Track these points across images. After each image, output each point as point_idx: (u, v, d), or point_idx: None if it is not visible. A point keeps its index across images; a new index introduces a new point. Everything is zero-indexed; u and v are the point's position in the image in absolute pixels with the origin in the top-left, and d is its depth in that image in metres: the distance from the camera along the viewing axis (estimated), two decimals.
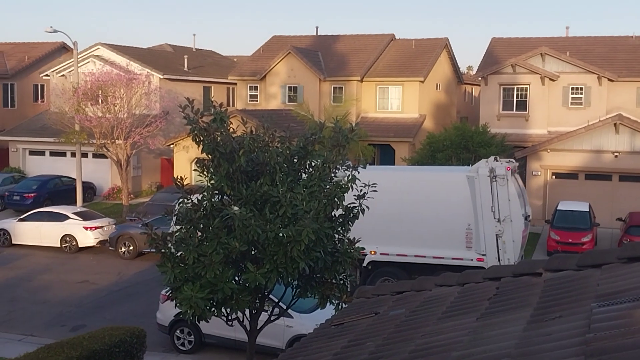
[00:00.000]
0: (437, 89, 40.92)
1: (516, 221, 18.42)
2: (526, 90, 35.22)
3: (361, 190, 11.24)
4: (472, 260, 18.47)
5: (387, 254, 19.14)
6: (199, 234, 10.73)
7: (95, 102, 33.04)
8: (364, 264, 19.25)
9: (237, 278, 10.72)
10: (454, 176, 19.18)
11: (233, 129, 11.26)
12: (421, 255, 18.98)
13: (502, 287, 5.21)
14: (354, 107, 37.41)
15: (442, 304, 5.35)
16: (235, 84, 41.56)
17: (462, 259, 18.55)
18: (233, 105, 42.35)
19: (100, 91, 33.08)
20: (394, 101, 38.70)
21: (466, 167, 21.10)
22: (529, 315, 4.17)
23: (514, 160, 20.52)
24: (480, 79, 36.95)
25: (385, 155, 36.69)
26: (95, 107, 32.73)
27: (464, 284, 5.80)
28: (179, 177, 11.07)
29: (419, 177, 19.94)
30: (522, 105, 35.38)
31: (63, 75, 39.21)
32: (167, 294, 11.53)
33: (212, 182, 11.06)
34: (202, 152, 11.13)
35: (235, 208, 10.23)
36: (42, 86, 45.20)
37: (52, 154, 38.18)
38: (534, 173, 30.68)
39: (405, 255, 19.12)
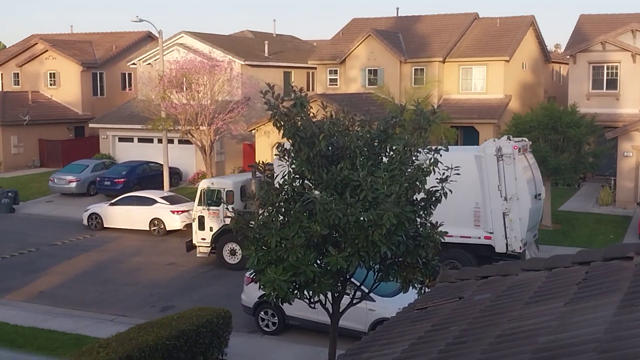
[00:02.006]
0: (523, 68, 39.77)
1: (523, 199, 18.68)
2: (616, 69, 33.73)
3: (443, 174, 11.10)
4: (479, 238, 18.88)
5: None
6: (281, 217, 10.86)
7: (180, 90, 33.91)
8: None
9: (318, 261, 10.79)
10: (462, 155, 19.10)
11: (313, 114, 11.30)
12: None
13: (591, 272, 5.05)
14: (435, 89, 36.87)
15: (529, 288, 5.25)
16: (315, 68, 41.68)
17: (470, 237, 18.97)
18: (313, 89, 42.54)
19: (184, 79, 33.90)
20: (478, 82, 37.90)
21: (475, 146, 21.32)
22: (619, 300, 4.04)
23: (526, 140, 20.74)
24: (568, 57, 35.66)
25: (468, 138, 36.05)
26: (180, 95, 33.61)
27: (551, 268, 5.66)
28: (260, 162, 11.22)
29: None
30: (613, 83, 33.93)
31: (149, 63, 40.39)
32: (251, 277, 11.77)
33: (293, 166, 11.16)
34: (282, 137, 11.24)
35: (316, 192, 10.29)
36: (130, 74, 46.78)
37: (140, 140, 39.48)
38: (625, 154, 29.43)
39: None
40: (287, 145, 11.40)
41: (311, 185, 10.91)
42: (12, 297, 19.97)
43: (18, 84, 48.09)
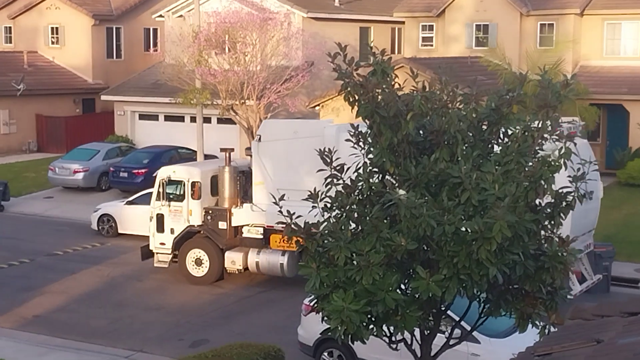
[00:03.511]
0: None
1: None
2: None
3: (579, 169, 10.90)
4: None
5: None
6: (353, 225, 10.87)
7: (221, 51, 34.31)
8: None
9: (403, 286, 10.78)
10: None
11: (399, 85, 11.27)
12: None
13: None
14: (569, 52, 36.21)
15: None
16: (403, 22, 41.49)
17: None
18: (399, 51, 42.34)
19: (227, 36, 34.28)
20: (629, 43, 37.09)
21: None
22: None
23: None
24: None
25: (614, 119, 35.32)
26: (221, 57, 33.99)
27: None
28: (326, 150, 11.22)
29: None
30: None
31: (181, 16, 40.92)
32: (312, 304, 11.81)
33: (371, 156, 11.16)
34: (357, 116, 11.24)
35: (401, 192, 10.27)
36: (155, 30, 47.54)
37: (167, 118, 40.13)
38: None
39: None
40: (363, 127, 11.39)
41: (394, 182, 10.89)
42: None
43: (10, 42, 49.60)
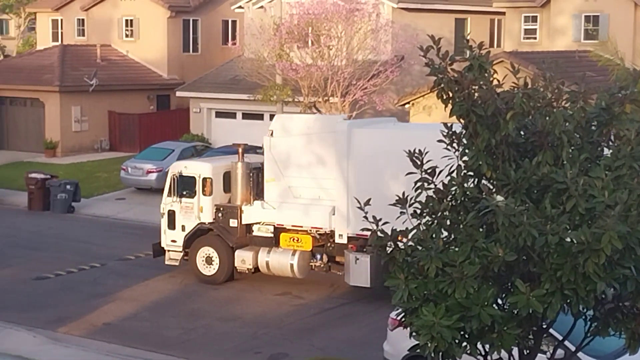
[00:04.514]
0: None
1: None
2: None
3: None
4: None
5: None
6: (445, 233, 10.80)
7: (304, 44, 34.44)
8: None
9: (500, 301, 10.67)
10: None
11: (498, 81, 11.16)
12: None
13: None
14: None
15: None
16: (503, 13, 41.14)
17: None
18: (499, 45, 41.97)
19: (310, 29, 34.38)
20: None
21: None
22: None
23: None
24: None
25: None
26: (304, 51, 34.12)
27: None
28: (416, 151, 11.17)
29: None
30: None
31: (261, 7, 41.21)
32: (399, 318, 11.76)
33: (465, 158, 11.08)
34: (450, 115, 11.17)
35: (499, 198, 10.17)
36: (234, 23, 48.05)
37: (246, 116, 40.45)
38: None
39: None
40: (457, 127, 11.32)
41: (491, 187, 10.79)
42: (67, 329, 21.10)
43: (83, 35, 50.73)
